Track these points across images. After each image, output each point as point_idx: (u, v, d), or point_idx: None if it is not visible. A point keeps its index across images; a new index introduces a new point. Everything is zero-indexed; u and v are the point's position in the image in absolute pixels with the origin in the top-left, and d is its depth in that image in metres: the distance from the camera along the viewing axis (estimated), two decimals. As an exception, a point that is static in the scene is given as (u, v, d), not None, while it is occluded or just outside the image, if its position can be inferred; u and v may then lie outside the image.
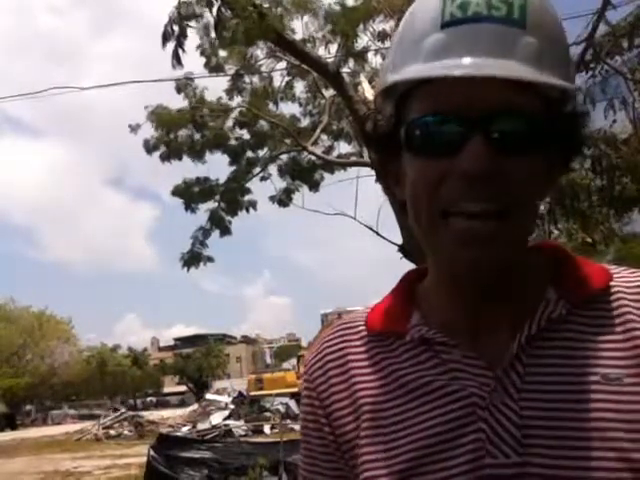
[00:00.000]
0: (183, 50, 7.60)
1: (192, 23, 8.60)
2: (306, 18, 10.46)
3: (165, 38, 7.69)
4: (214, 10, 6.95)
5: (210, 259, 11.90)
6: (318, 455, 0.88)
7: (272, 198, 12.51)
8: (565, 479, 0.71)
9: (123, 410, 32.09)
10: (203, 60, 11.02)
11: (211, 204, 12.17)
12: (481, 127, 0.72)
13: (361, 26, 9.93)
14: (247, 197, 12.35)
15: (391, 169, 0.83)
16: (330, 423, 0.86)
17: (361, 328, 0.88)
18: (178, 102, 12.04)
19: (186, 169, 12.56)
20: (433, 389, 0.79)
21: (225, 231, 12.04)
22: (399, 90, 0.78)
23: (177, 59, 7.61)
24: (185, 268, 11.73)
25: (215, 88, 12.34)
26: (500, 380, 0.77)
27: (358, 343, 0.87)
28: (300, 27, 10.34)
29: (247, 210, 12.22)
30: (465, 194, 0.72)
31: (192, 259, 11.72)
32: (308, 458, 0.90)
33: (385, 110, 0.82)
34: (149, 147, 11.95)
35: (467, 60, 0.71)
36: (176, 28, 7.66)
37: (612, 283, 0.80)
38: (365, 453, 0.81)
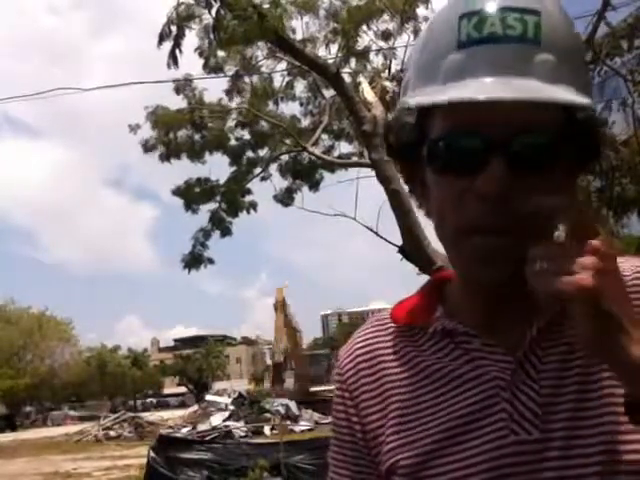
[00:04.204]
0: (180, 51, 7.60)
1: (191, 24, 8.62)
2: (307, 18, 10.51)
3: (161, 38, 7.69)
4: (213, 11, 6.95)
5: (211, 261, 11.86)
6: (345, 444, 0.91)
7: (274, 197, 12.49)
8: (584, 456, 0.75)
9: (123, 412, 32.05)
10: (202, 61, 11.02)
11: (212, 205, 12.17)
12: (501, 146, 0.74)
13: (364, 26, 9.98)
14: (248, 198, 12.35)
15: (416, 180, 0.86)
16: (358, 413, 0.89)
17: (390, 324, 0.92)
18: (180, 103, 12.06)
19: (187, 169, 12.56)
20: (456, 376, 0.83)
21: (226, 232, 12.03)
22: (421, 107, 0.80)
23: (174, 59, 7.61)
24: (186, 270, 11.72)
25: (215, 89, 12.36)
26: (520, 363, 0.80)
27: (386, 337, 0.91)
28: (300, 27, 10.39)
29: (248, 211, 12.22)
30: (484, 213, 0.75)
31: (193, 261, 11.68)
32: (337, 447, 0.93)
33: (407, 123, 0.83)
34: (147, 147, 11.94)
35: (487, 80, 0.73)
36: (174, 29, 7.66)
37: None
38: (391, 441, 0.85)
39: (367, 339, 0.93)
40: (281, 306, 27.45)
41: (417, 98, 0.79)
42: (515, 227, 0.74)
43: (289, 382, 27.23)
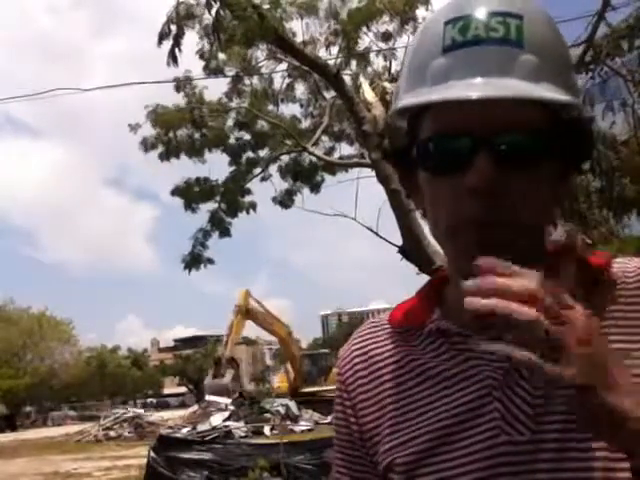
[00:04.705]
0: (180, 50, 7.62)
1: (191, 23, 8.63)
2: (307, 20, 10.52)
3: (161, 37, 7.71)
4: (213, 11, 6.95)
5: (210, 261, 11.86)
6: (345, 444, 0.93)
7: (274, 199, 12.49)
8: (576, 460, 0.75)
9: (123, 411, 32.03)
10: (203, 61, 11.02)
11: (211, 205, 12.16)
12: (487, 144, 0.75)
13: (364, 27, 10.00)
14: (247, 198, 12.35)
15: (411, 181, 0.88)
16: (355, 414, 0.91)
17: (387, 325, 0.94)
18: (180, 101, 12.04)
19: (187, 170, 12.56)
20: (450, 376, 0.84)
21: (224, 233, 12.02)
22: (411, 111, 0.83)
23: (173, 58, 7.63)
24: (186, 270, 11.71)
25: (215, 88, 12.35)
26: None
27: (383, 338, 0.93)
28: (301, 28, 10.39)
29: (247, 212, 12.21)
30: (475, 208, 0.76)
31: (193, 261, 11.68)
32: (337, 447, 0.95)
33: (400, 127, 0.87)
34: (146, 146, 11.93)
35: (470, 81, 0.75)
36: (173, 28, 7.68)
37: (614, 270, 0.85)
38: (388, 441, 0.86)
39: (364, 340, 0.95)
40: (243, 309, 27.24)
41: (402, 101, 0.82)
42: (507, 222, 0.76)
43: (228, 378, 27.10)
